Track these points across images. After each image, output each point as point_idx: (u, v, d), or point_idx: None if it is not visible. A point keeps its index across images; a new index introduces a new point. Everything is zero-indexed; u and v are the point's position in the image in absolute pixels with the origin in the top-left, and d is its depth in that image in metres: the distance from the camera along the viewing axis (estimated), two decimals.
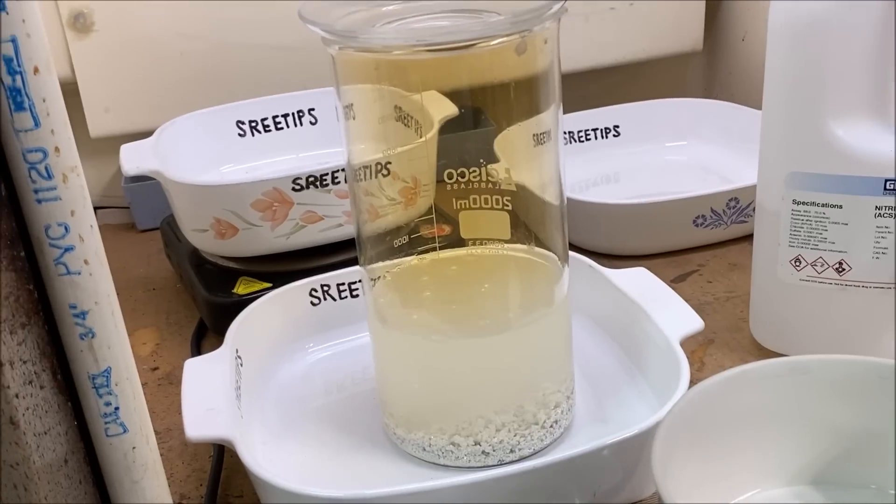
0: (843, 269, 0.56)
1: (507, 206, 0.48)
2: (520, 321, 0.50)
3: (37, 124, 0.31)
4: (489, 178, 0.47)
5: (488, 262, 0.50)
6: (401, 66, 0.46)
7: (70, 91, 0.71)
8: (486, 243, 0.49)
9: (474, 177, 0.47)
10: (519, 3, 0.47)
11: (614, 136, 0.93)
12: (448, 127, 0.48)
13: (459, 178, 0.47)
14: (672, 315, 0.55)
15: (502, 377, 0.50)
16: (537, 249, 0.51)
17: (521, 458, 0.50)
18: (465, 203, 0.47)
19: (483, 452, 0.49)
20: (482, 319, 0.50)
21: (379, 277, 0.51)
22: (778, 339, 0.61)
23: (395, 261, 0.51)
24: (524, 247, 0.50)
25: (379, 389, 0.54)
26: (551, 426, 0.51)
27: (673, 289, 0.58)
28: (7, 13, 0.30)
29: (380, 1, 0.48)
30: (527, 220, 0.49)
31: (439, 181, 0.48)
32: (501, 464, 0.49)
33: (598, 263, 0.62)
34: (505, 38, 0.43)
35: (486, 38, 0.43)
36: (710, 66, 1.10)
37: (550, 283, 0.51)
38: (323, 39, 0.45)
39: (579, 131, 0.92)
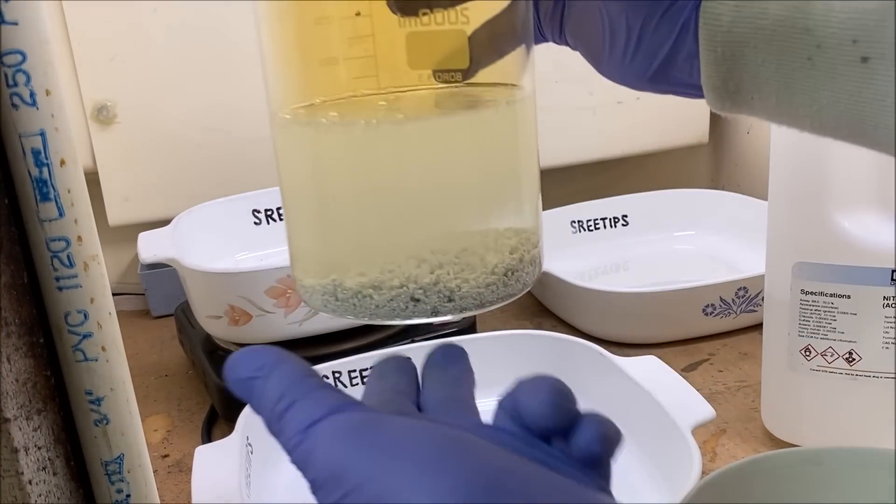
0: (854, 359, 0.56)
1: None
2: (465, 103, 0.40)
3: (61, 214, 0.32)
4: None
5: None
6: None
7: (90, 180, 0.73)
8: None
9: None
10: None
11: (623, 225, 0.94)
12: None
13: None
14: (683, 404, 0.55)
15: (440, 192, 0.38)
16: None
17: (463, 310, 0.38)
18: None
19: (413, 299, 0.38)
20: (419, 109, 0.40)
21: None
22: (790, 429, 0.61)
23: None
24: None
25: (288, 231, 0.42)
26: (504, 274, 0.39)
27: (684, 377, 0.58)
28: (38, 108, 0.31)
29: None
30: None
31: None
32: (436, 314, 0.38)
33: (608, 351, 0.62)
34: None
35: None
36: (717, 157, 1.12)
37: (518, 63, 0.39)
38: None
39: (588, 220, 0.94)
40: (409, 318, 0.37)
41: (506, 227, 0.39)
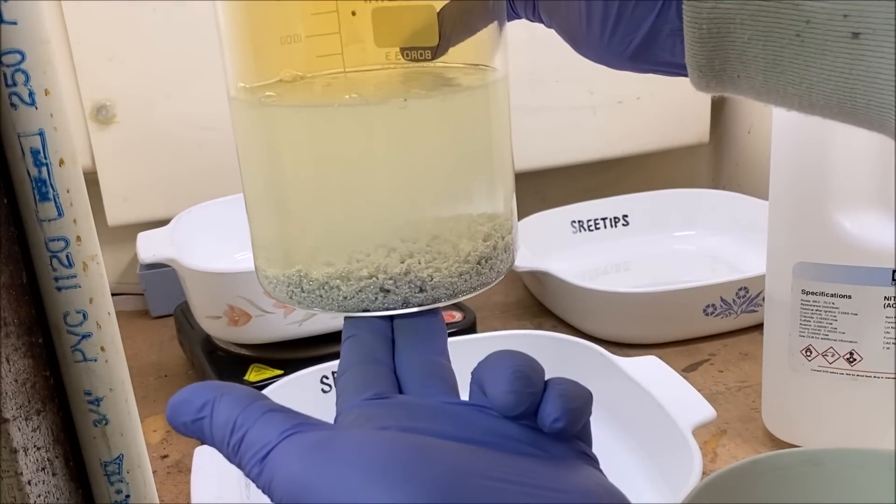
0: (855, 360, 0.56)
1: None
2: (435, 83, 0.38)
3: (60, 214, 0.32)
4: None
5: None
6: None
7: (89, 180, 0.73)
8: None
9: None
10: None
11: (623, 225, 0.94)
12: None
13: None
14: (684, 404, 0.55)
15: (409, 177, 0.37)
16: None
17: (435, 300, 0.36)
18: None
19: (382, 290, 0.36)
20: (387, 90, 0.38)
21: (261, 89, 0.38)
22: (791, 430, 0.61)
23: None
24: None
25: (249, 217, 0.40)
26: (478, 262, 0.37)
27: (684, 378, 0.58)
28: (37, 108, 0.31)
29: None
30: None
31: None
32: (407, 305, 0.36)
33: (609, 351, 0.62)
34: None
35: None
36: (717, 157, 1.12)
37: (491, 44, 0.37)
38: None
39: (588, 220, 0.94)
40: (379, 309, 0.36)
41: (479, 213, 0.37)
